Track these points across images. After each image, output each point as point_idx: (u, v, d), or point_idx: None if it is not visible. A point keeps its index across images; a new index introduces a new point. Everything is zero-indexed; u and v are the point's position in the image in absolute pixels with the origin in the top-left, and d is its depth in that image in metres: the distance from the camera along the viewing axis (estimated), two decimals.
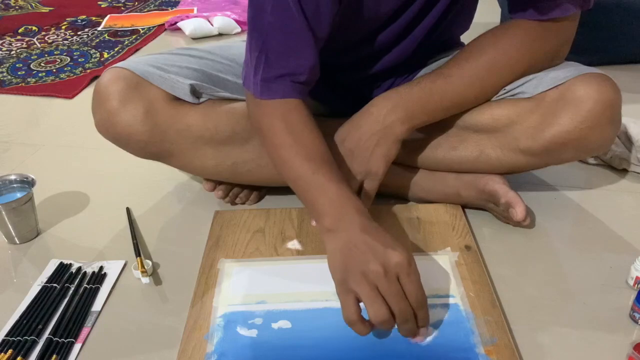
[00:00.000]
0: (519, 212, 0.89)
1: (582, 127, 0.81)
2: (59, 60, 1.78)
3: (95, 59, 1.78)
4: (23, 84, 1.62)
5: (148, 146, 0.90)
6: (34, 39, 1.98)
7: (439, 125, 0.92)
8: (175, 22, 2.02)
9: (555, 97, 0.83)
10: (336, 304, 0.77)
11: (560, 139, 0.83)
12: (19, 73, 1.69)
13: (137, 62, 0.91)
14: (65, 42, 1.94)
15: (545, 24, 0.84)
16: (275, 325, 0.75)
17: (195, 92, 0.91)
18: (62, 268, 0.89)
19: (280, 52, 0.79)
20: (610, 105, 0.81)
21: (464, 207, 0.98)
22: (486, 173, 0.93)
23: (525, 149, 0.87)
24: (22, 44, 1.94)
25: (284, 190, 1.02)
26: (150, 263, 0.88)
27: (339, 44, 0.91)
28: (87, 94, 1.54)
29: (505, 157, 0.90)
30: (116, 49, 1.87)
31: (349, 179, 0.87)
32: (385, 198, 1.01)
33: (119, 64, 0.91)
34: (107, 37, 1.99)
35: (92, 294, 0.84)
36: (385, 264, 0.65)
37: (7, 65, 1.75)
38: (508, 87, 0.88)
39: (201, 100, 0.92)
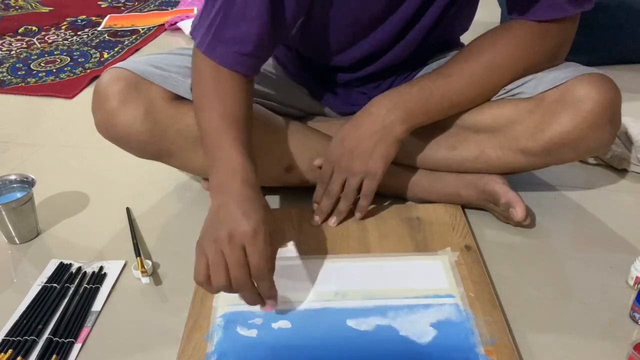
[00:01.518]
0: (519, 212, 0.89)
1: (582, 127, 0.81)
2: (59, 60, 1.78)
3: (95, 59, 1.78)
4: (23, 84, 1.62)
5: (148, 146, 0.90)
6: (34, 39, 1.98)
7: (439, 126, 0.92)
8: (175, 22, 2.02)
9: (555, 97, 0.83)
10: (336, 304, 0.78)
11: (560, 139, 0.83)
12: (19, 73, 1.69)
13: (137, 62, 0.91)
14: (65, 42, 1.94)
15: (544, 24, 0.84)
16: (275, 325, 0.75)
17: None
18: (62, 268, 0.89)
19: (236, 15, 0.79)
20: (610, 106, 0.81)
21: (464, 207, 0.98)
22: (486, 173, 0.93)
23: (525, 149, 0.87)
24: (22, 44, 1.94)
25: (284, 190, 1.03)
26: (150, 263, 0.88)
27: (338, 43, 0.91)
28: (87, 94, 1.54)
29: (505, 157, 0.90)
30: (116, 49, 1.87)
31: (349, 176, 0.89)
32: (385, 198, 1.01)
33: (119, 64, 0.91)
34: (107, 37, 1.99)
35: (92, 294, 0.84)
36: (232, 231, 0.68)
37: (7, 65, 1.75)
38: (508, 87, 0.88)
39: None
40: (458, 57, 0.89)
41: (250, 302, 0.73)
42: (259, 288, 0.71)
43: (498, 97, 0.89)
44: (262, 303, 0.73)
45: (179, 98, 0.90)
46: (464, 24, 0.99)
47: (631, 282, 0.83)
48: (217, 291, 0.72)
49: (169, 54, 0.96)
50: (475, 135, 0.91)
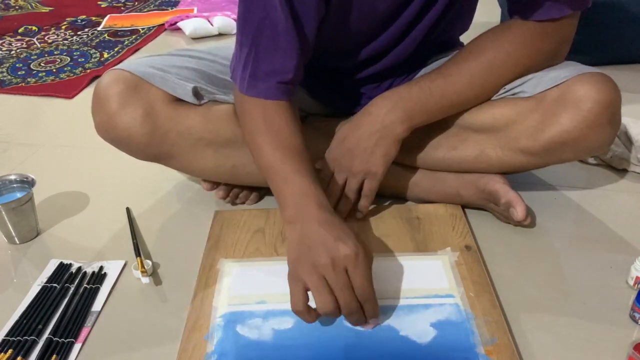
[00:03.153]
0: (519, 212, 0.89)
1: (582, 127, 0.81)
2: (59, 60, 1.78)
3: (95, 59, 1.78)
4: (23, 84, 1.62)
5: (148, 148, 0.90)
6: (34, 39, 1.98)
7: (439, 125, 0.92)
8: (175, 22, 2.02)
9: (555, 96, 0.83)
10: None
11: (560, 138, 0.83)
12: (19, 73, 1.69)
13: (137, 63, 0.91)
14: (65, 42, 1.94)
15: (544, 24, 0.84)
16: (275, 325, 0.75)
17: (197, 93, 0.91)
18: (62, 268, 0.89)
19: (268, 49, 0.80)
20: (610, 105, 0.81)
21: (464, 207, 0.98)
22: (486, 173, 0.93)
23: (525, 149, 0.87)
24: (22, 44, 1.94)
25: None
26: (150, 263, 0.88)
27: (341, 46, 0.91)
28: (87, 94, 1.54)
29: (505, 156, 0.90)
30: (116, 49, 1.87)
31: (350, 176, 0.89)
32: (385, 198, 1.01)
33: (119, 66, 0.91)
34: (107, 37, 1.99)
35: (92, 294, 0.84)
36: (333, 256, 0.67)
37: (7, 65, 1.75)
38: (508, 86, 0.88)
39: (202, 102, 0.92)
40: (458, 57, 0.89)
41: (358, 324, 0.73)
42: (364, 308, 0.70)
43: (498, 96, 0.89)
44: (366, 323, 0.73)
45: (179, 100, 0.90)
46: (463, 23, 0.99)
47: (631, 282, 0.83)
48: (317, 318, 0.70)
49: (170, 55, 0.96)
50: (475, 134, 0.91)
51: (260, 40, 0.79)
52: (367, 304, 0.70)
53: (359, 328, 0.74)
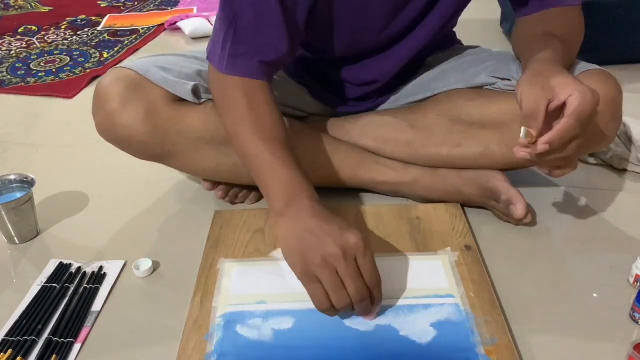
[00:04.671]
0: (519, 210, 0.89)
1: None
2: (58, 60, 1.78)
3: (95, 59, 1.78)
4: (23, 84, 1.61)
5: (149, 147, 0.90)
6: (34, 39, 1.98)
7: (443, 123, 0.93)
8: (175, 22, 2.02)
9: None
10: None
11: None
12: (19, 73, 1.69)
13: (141, 61, 0.92)
14: (65, 42, 1.94)
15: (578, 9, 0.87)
16: (275, 325, 0.75)
17: (196, 92, 0.91)
18: (62, 268, 0.89)
19: (249, 29, 0.79)
20: (612, 102, 0.81)
21: (465, 205, 0.98)
22: (489, 169, 0.93)
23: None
24: (22, 43, 1.94)
25: None
26: (150, 263, 0.88)
27: (342, 42, 0.91)
28: (87, 94, 1.54)
29: (510, 153, 0.90)
30: (116, 49, 1.87)
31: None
32: (385, 198, 1.01)
33: (122, 64, 0.91)
34: (106, 37, 1.99)
35: (92, 294, 0.84)
36: (343, 246, 0.67)
37: (7, 65, 1.75)
38: (513, 77, 0.88)
39: (202, 101, 0.92)
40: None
41: (366, 313, 0.73)
42: (373, 294, 0.71)
43: (507, 87, 0.89)
44: (372, 311, 0.74)
45: (179, 100, 0.90)
46: (457, 19, 0.99)
47: (631, 280, 0.83)
48: (341, 311, 0.71)
49: (175, 55, 0.96)
50: (480, 131, 0.91)
51: (243, 14, 0.77)
52: (376, 290, 0.71)
53: (360, 320, 0.74)
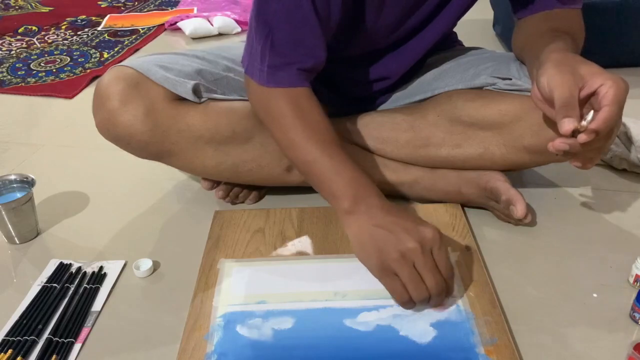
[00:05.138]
0: (519, 210, 0.89)
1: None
2: (58, 60, 1.78)
3: (95, 59, 1.78)
4: (23, 84, 1.62)
5: (149, 146, 0.90)
6: (34, 39, 1.98)
7: (442, 124, 0.93)
8: (175, 22, 2.02)
9: None
10: (336, 304, 0.78)
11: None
12: (19, 73, 1.69)
13: (141, 60, 0.92)
14: (65, 42, 1.94)
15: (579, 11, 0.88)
16: (275, 325, 0.75)
17: (197, 91, 0.91)
18: (62, 268, 0.89)
19: (286, 40, 0.79)
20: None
21: (465, 205, 0.98)
22: (489, 170, 0.94)
23: (530, 147, 0.87)
24: (22, 44, 1.94)
25: (284, 190, 1.03)
26: (150, 263, 0.88)
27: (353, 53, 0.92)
28: (87, 94, 1.54)
29: (509, 154, 0.90)
30: (116, 49, 1.87)
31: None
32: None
33: (123, 63, 0.91)
34: (107, 37, 1.99)
35: (92, 294, 0.84)
36: (421, 240, 0.69)
37: (7, 65, 1.75)
38: (514, 80, 0.88)
39: (202, 100, 0.92)
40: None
41: (439, 304, 0.75)
42: (448, 285, 0.74)
43: (506, 86, 0.89)
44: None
45: (180, 98, 0.90)
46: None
47: (631, 280, 0.83)
48: (420, 304, 0.73)
49: (176, 54, 0.96)
50: (480, 132, 0.91)
51: (279, 27, 0.78)
52: (451, 281, 0.74)
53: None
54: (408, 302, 0.72)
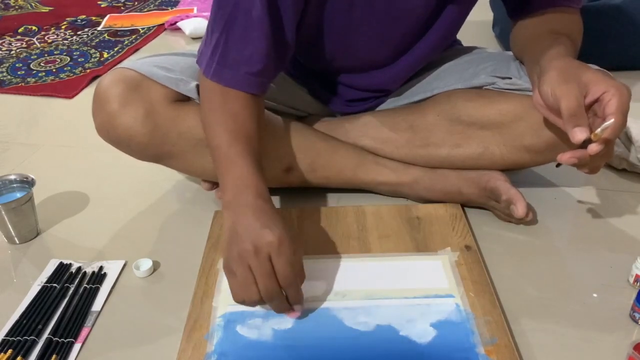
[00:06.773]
0: (519, 209, 0.89)
1: None
2: (58, 60, 1.78)
3: (95, 59, 1.78)
4: (23, 84, 1.62)
5: (149, 148, 0.90)
6: (34, 39, 1.98)
7: (442, 124, 0.92)
8: (175, 22, 2.02)
9: None
10: (336, 304, 0.78)
11: (563, 135, 0.83)
12: (19, 73, 1.69)
13: (141, 62, 0.91)
14: (65, 42, 1.94)
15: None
16: (275, 325, 0.75)
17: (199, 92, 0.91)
18: (62, 268, 0.89)
19: (239, 36, 0.79)
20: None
21: (465, 205, 0.98)
22: (489, 170, 0.94)
23: (530, 146, 0.87)
24: (22, 43, 1.94)
25: (284, 190, 1.02)
26: (150, 263, 0.88)
27: (331, 52, 0.92)
28: (87, 94, 1.54)
29: (509, 154, 0.90)
30: (116, 49, 1.87)
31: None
32: (385, 198, 1.01)
33: (122, 64, 0.91)
34: (106, 36, 1.99)
35: (92, 293, 0.84)
36: (256, 243, 0.68)
37: (7, 65, 1.75)
38: (514, 80, 0.88)
39: None
40: None
41: (280, 311, 0.74)
42: (287, 295, 0.71)
43: (506, 85, 0.89)
44: (290, 310, 0.74)
45: (180, 100, 0.90)
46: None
47: (631, 280, 0.83)
48: (254, 305, 0.73)
49: (175, 55, 0.96)
50: (480, 131, 0.91)
51: (232, 26, 0.78)
52: (289, 290, 0.71)
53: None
54: (241, 302, 0.71)
